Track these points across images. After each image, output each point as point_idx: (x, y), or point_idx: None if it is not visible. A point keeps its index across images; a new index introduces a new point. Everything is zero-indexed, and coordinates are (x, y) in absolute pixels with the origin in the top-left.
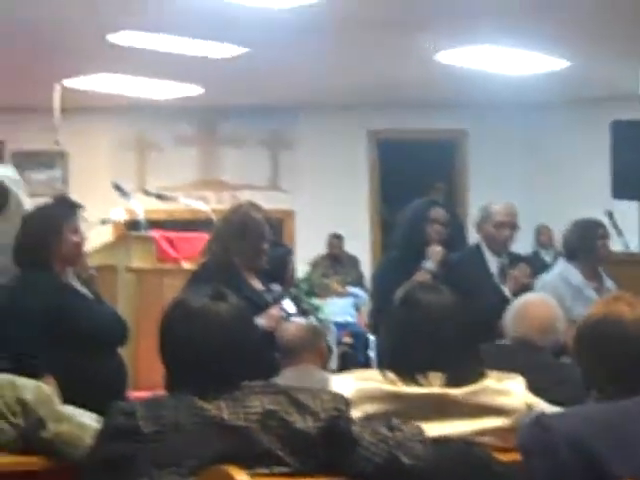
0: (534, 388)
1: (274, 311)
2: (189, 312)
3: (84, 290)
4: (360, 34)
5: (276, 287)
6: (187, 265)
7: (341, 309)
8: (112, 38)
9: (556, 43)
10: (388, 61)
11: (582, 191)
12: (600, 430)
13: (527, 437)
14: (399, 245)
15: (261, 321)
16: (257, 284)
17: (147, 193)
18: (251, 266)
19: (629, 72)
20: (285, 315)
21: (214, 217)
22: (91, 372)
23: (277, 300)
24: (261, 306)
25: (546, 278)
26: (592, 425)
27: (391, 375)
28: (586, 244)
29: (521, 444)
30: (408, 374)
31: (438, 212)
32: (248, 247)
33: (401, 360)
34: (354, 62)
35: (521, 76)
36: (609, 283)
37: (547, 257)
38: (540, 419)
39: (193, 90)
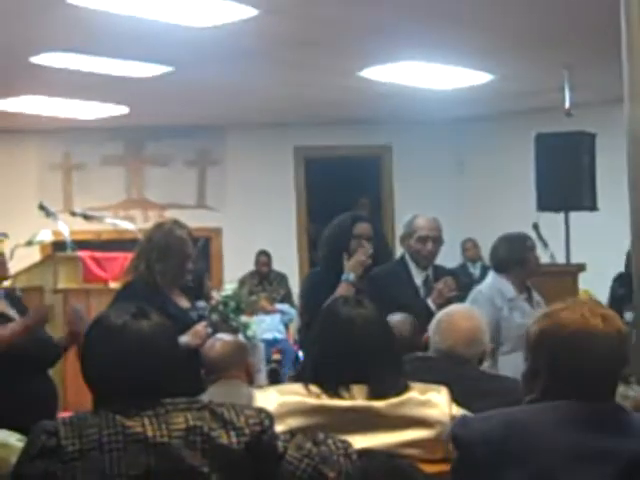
0: (460, 400)
1: (199, 328)
2: (110, 330)
3: (12, 311)
4: (285, 52)
5: (201, 304)
6: (114, 285)
7: (269, 326)
8: (35, 59)
9: (479, 57)
10: (313, 79)
11: (508, 204)
12: (514, 433)
13: (452, 434)
14: (324, 261)
15: (186, 338)
16: (182, 302)
17: (73, 214)
18: (175, 284)
19: (553, 84)
20: (210, 332)
21: (141, 236)
22: (21, 393)
23: (202, 317)
24: (186, 323)
25: (481, 289)
26: (508, 428)
27: (314, 388)
28: (517, 257)
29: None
30: (331, 387)
31: (362, 227)
32: (172, 265)
33: (324, 374)
34: (279, 80)
35: (445, 91)
36: (536, 295)
37: (474, 270)
38: (464, 419)
39: (118, 110)
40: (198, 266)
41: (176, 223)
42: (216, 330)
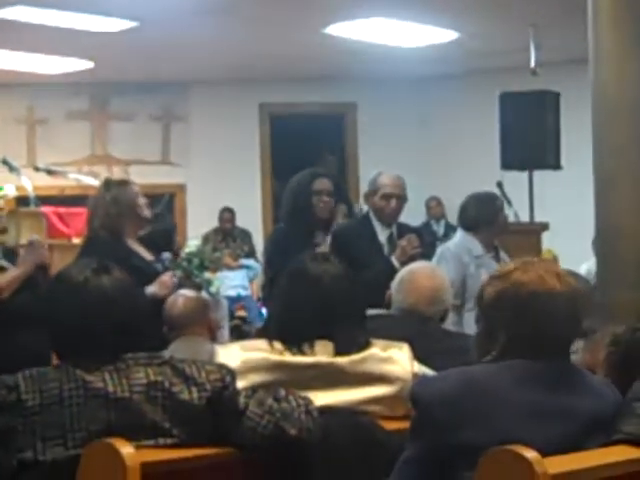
0: (422, 357)
1: (166, 278)
2: (72, 285)
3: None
4: (250, 8)
5: (166, 255)
6: (77, 240)
7: (233, 282)
8: (0, 13)
9: (445, 15)
10: (278, 35)
11: (473, 162)
12: (472, 392)
13: (411, 393)
14: (286, 218)
15: (153, 288)
16: (144, 253)
17: (37, 169)
18: (132, 231)
19: (519, 43)
20: (176, 282)
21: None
22: (15, 345)
23: (167, 268)
24: (151, 275)
25: (448, 246)
26: (466, 386)
27: (278, 345)
28: (487, 217)
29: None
30: (295, 343)
31: (322, 183)
32: (124, 206)
33: (288, 330)
34: (245, 36)
35: (411, 48)
36: (503, 254)
37: (438, 228)
38: (423, 378)
39: (83, 65)
40: (166, 222)
41: (124, 179)
42: (180, 285)
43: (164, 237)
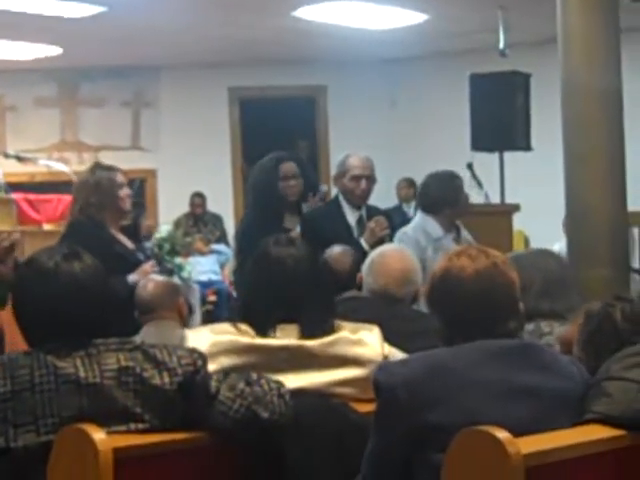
0: (393, 340)
1: (147, 267)
2: (42, 271)
3: None
4: None
5: (148, 244)
6: (48, 227)
7: (204, 268)
8: None
9: None
10: (247, 18)
11: (444, 144)
12: (436, 374)
13: (373, 381)
14: (254, 205)
15: (135, 277)
16: (128, 243)
17: (6, 155)
18: (115, 220)
19: (488, 24)
20: (157, 270)
21: (75, 178)
22: None
23: (149, 257)
24: (133, 263)
25: (406, 230)
26: (430, 369)
27: (245, 327)
28: (447, 198)
29: (373, 388)
30: (261, 326)
31: (288, 166)
32: (104, 196)
33: (252, 313)
34: (213, 20)
35: (380, 30)
36: (466, 234)
37: (409, 210)
38: (385, 364)
39: (52, 51)
40: (134, 208)
41: (99, 163)
42: (165, 270)
43: (131, 224)
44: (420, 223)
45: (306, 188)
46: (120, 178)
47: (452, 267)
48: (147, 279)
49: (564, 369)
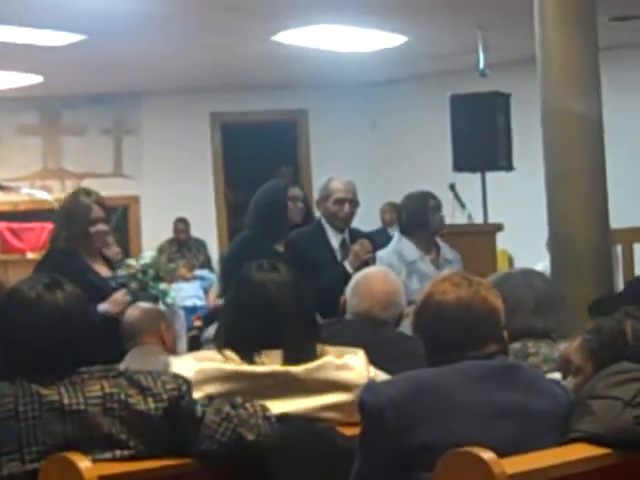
0: (378, 363)
1: (118, 296)
2: (24, 301)
3: None
4: (198, 17)
5: (122, 272)
6: (32, 255)
7: (189, 293)
8: None
9: (392, 19)
10: (227, 43)
11: (426, 166)
12: (421, 395)
13: (358, 402)
14: (255, 224)
15: (106, 306)
16: (102, 270)
17: None
18: (87, 250)
19: (467, 45)
20: (130, 300)
21: (58, 206)
22: None
23: (123, 285)
24: (106, 291)
25: (381, 254)
26: (415, 390)
27: (230, 354)
28: (419, 217)
29: (358, 409)
30: (246, 353)
31: (296, 190)
32: (75, 231)
33: (237, 339)
34: (194, 46)
35: (360, 53)
36: (448, 253)
37: (393, 233)
38: (370, 385)
39: (32, 79)
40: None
41: (83, 190)
42: (137, 298)
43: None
44: (396, 246)
45: (306, 215)
46: (95, 213)
47: (434, 293)
48: (134, 306)
49: (548, 389)
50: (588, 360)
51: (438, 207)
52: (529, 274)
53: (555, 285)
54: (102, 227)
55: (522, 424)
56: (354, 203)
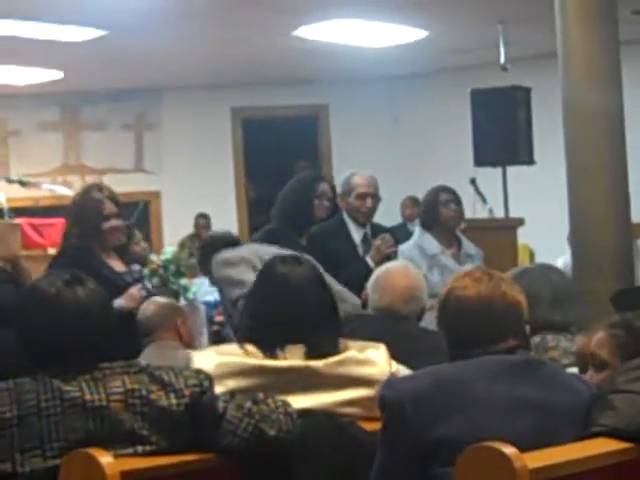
0: (400, 357)
1: (134, 291)
2: (45, 298)
3: None
4: (219, 12)
5: (136, 267)
6: (53, 251)
7: (210, 288)
8: None
9: (413, 14)
10: (248, 39)
11: (447, 160)
12: (442, 390)
13: (379, 397)
14: (282, 217)
15: (121, 301)
16: (117, 265)
17: (10, 180)
18: (101, 246)
19: (489, 40)
20: (145, 294)
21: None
22: None
23: (137, 280)
24: (121, 287)
25: (402, 248)
26: (436, 384)
27: (251, 348)
28: (430, 212)
29: (378, 405)
30: (267, 347)
31: (324, 186)
32: (87, 227)
33: (260, 333)
34: (214, 41)
35: (381, 48)
36: (470, 248)
37: (414, 228)
38: (390, 380)
39: (53, 75)
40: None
41: (95, 185)
42: (153, 294)
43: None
44: (417, 240)
45: (332, 211)
46: (107, 209)
47: (455, 288)
48: (149, 301)
49: (569, 384)
50: (616, 355)
51: (451, 201)
52: (547, 268)
53: (572, 279)
54: (115, 223)
55: (543, 419)
56: (376, 198)
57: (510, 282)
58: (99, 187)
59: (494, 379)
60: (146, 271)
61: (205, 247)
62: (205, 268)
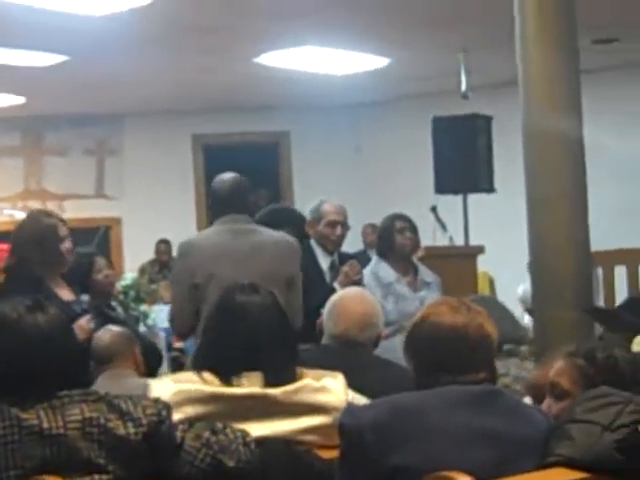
0: (358, 385)
1: (82, 322)
2: (5, 323)
3: None
4: (181, 39)
5: (84, 298)
6: None
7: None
8: None
9: (375, 41)
10: (210, 66)
11: (408, 188)
12: (400, 418)
13: (339, 425)
14: None
15: None
16: (65, 294)
17: None
18: (56, 272)
19: (450, 67)
20: (93, 326)
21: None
22: None
23: (86, 311)
24: (69, 317)
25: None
26: (394, 413)
27: (208, 376)
28: (385, 240)
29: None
30: (224, 375)
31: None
32: (48, 252)
33: (217, 361)
34: (176, 67)
35: (343, 75)
36: (427, 275)
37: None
38: (350, 408)
39: (15, 100)
40: (86, 255)
41: (41, 212)
42: (102, 323)
43: (80, 271)
44: (373, 268)
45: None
46: (62, 231)
47: (431, 314)
48: (104, 329)
49: (529, 415)
50: (577, 384)
51: (406, 228)
52: (485, 300)
53: (507, 311)
54: (69, 244)
55: (502, 449)
56: (345, 226)
57: (486, 315)
58: (46, 212)
59: (453, 409)
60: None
61: None
62: None
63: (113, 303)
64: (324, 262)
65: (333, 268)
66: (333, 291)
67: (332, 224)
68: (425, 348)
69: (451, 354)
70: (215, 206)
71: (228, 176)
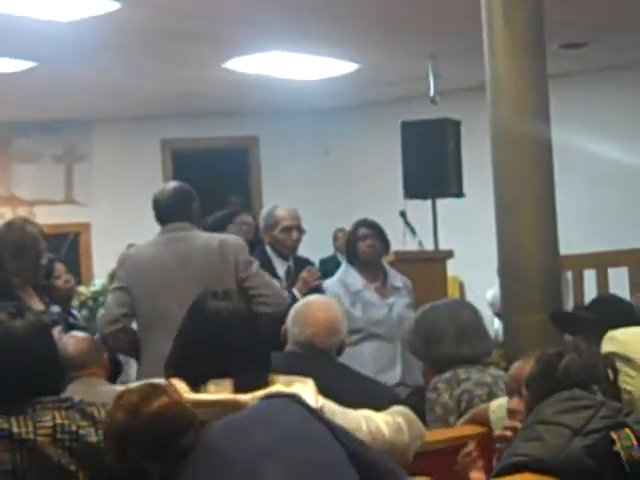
0: (324, 392)
1: (54, 334)
2: None
3: None
4: (149, 45)
5: (55, 308)
6: None
7: None
8: None
9: (344, 47)
10: (178, 71)
11: (377, 192)
12: (224, 434)
13: None
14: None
15: None
16: (36, 303)
17: None
18: (30, 282)
19: (418, 73)
20: (65, 337)
21: None
22: None
23: (56, 322)
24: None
25: (327, 284)
26: (221, 430)
27: (178, 382)
28: (350, 246)
29: None
30: (194, 381)
31: (244, 217)
32: (27, 263)
33: (188, 367)
34: (144, 73)
35: (312, 81)
36: (397, 280)
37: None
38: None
39: None
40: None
41: (26, 220)
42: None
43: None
44: (341, 275)
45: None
46: (42, 244)
47: None
48: (68, 336)
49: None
50: (526, 386)
51: (368, 235)
52: (455, 306)
53: (481, 316)
54: (45, 261)
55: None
56: (301, 230)
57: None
58: (31, 222)
59: (256, 424)
60: (76, 302)
61: None
62: None
63: (73, 311)
64: (280, 268)
65: (289, 274)
66: (294, 296)
67: (287, 229)
68: None
69: None
70: (157, 216)
71: (169, 185)
